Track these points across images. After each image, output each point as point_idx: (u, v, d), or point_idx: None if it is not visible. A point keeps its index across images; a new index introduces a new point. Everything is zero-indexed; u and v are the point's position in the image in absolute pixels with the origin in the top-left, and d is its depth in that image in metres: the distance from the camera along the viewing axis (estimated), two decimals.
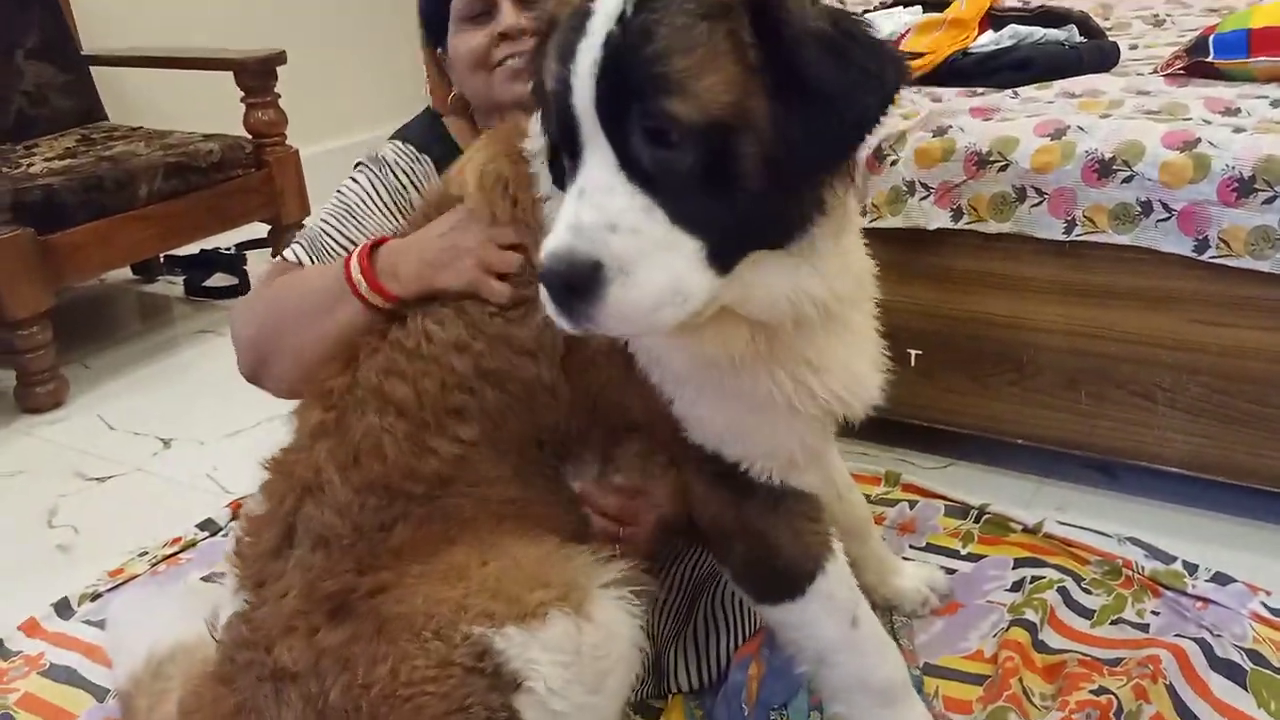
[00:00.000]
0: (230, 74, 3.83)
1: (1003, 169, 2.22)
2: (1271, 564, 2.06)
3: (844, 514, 1.84)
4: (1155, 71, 2.66)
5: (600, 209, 1.11)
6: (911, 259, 2.36)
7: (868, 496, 2.07)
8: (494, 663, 1.34)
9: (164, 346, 3.66)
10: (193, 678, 1.58)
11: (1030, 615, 1.91)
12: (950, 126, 2.33)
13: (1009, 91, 2.57)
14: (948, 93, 2.61)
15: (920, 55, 2.71)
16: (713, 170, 1.13)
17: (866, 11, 3.23)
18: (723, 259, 1.16)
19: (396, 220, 1.82)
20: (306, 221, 3.87)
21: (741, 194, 1.15)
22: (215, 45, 4.11)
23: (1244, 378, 2.10)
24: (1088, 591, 2.01)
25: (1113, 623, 1.93)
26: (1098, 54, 2.74)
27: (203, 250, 4.19)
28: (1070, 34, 2.79)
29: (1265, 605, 1.91)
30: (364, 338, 1.53)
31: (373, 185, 1.88)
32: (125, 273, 4.25)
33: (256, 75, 3.80)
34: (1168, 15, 3.47)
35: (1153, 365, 2.19)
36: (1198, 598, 1.96)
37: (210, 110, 3.98)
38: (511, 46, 1.84)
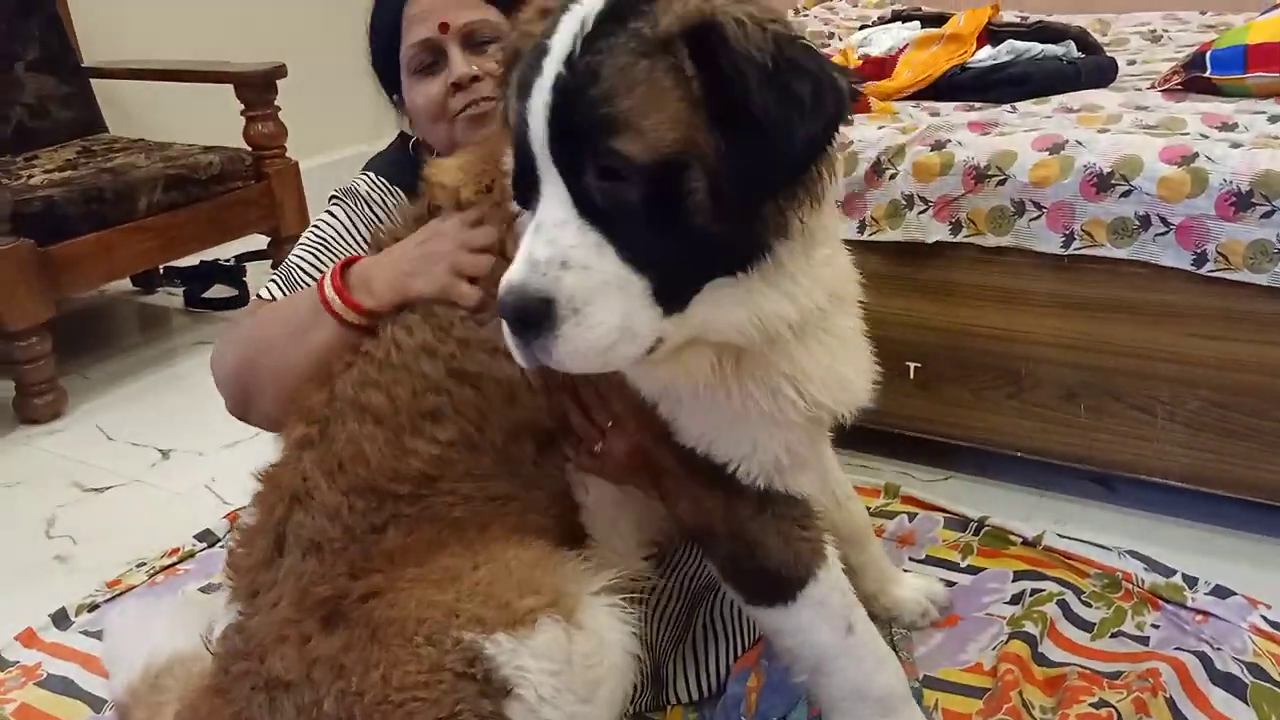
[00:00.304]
0: (230, 86, 3.84)
1: (1001, 183, 2.23)
2: (1271, 577, 2.06)
3: (844, 522, 1.85)
4: (1153, 87, 2.68)
5: (553, 245, 1.14)
6: (910, 272, 2.36)
7: (867, 508, 2.07)
8: (484, 669, 1.34)
9: (163, 358, 3.66)
10: (190, 690, 1.58)
11: (1030, 628, 1.91)
12: (949, 141, 2.34)
13: (1007, 106, 2.59)
14: (946, 107, 2.62)
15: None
16: (661, 206, 1.15)
17: (864, 27, 3.25)
18: (671, 297, 1.18)
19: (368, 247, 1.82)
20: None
21: (690, 228, 1.16)
22: (215, 58, 4.12)
23: (1243, 391, 2.10)
24: (1087, 604, 2.01)
25: (1112, 636, 1.93)
26: (1096, 69, 2.76)
27: (202, 261, 4.19)
28: (1068, 49, 2.81)
29: (1265, 618, 1.91)
30: (339, 355, 1.54)
31: (348, 217, 1.89)
32: (125, 284, 4.24)
33: (257, 88, 3.82)
34: (1165, 31, 3.49)
35: (1151, 379, 2.19)
36: (1197, 611, 1.95)
37: (210, 122, 3.98)
38: (467, 96, 1.83)
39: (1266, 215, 1.99)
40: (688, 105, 1.14)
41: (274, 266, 3.84)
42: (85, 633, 2.18)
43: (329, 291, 1.57)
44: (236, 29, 4.76)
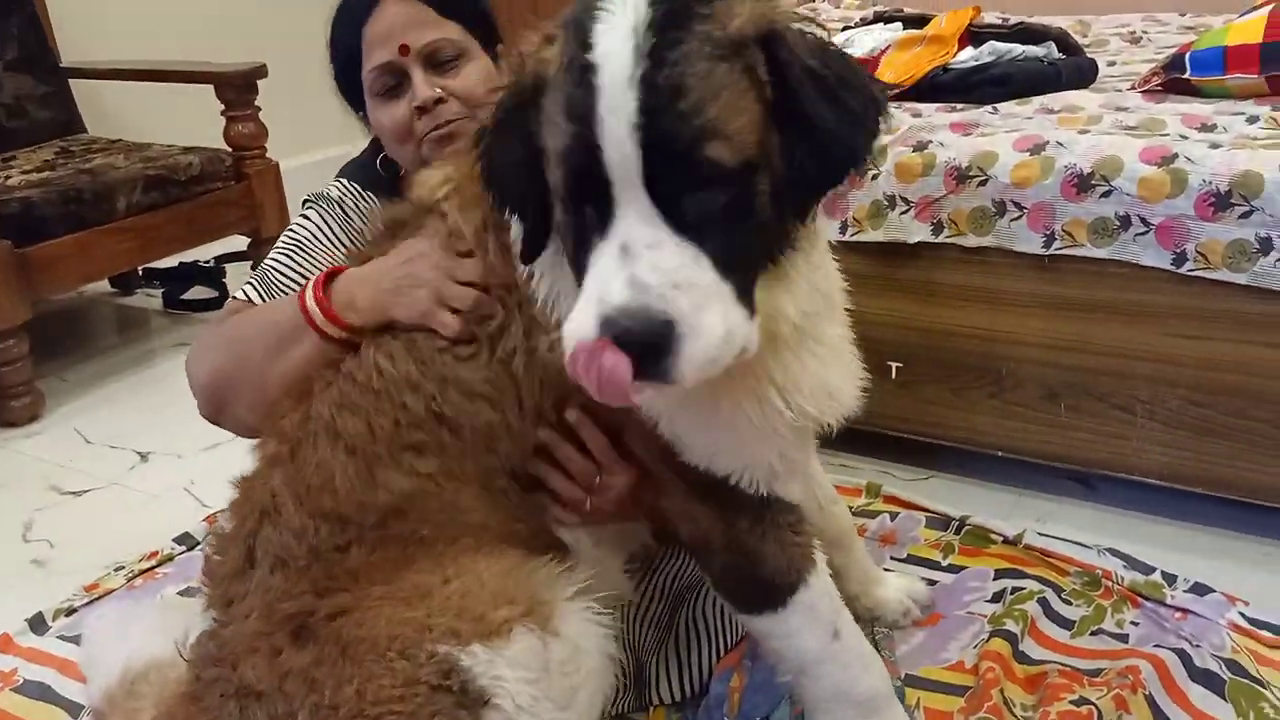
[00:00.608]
0: (210, 87, 3.82)
1: (982, 184, 2.24)
2: (1249, 574, 2.08)
3: (827, 525, 1.84)
4: (1133, 88, 2.69)
5: (658, 266, 1.09)
6: (892, 272, 2.37)
7: (849, 508, 2.07)
8: (460, 680, 1.33)
9: (142, 360, 3.63)
10: (166, 697, 1.57)
11: (1011, 626, 1.91)
12: (930, 141, 2.35)
13: (988, 107, 2.60)
14: (928, 108, 2.63)
15: (898, 87, 2.73)
16: (738, 209, 1.15)
17: (847, 28, 3.26)
18: (747, 295, 1.18)
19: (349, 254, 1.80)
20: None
21: (755, 228, 1.17)
22: (195, 58, 4.09)
23: (1222, 390, 2.11)
24: (1068, 602, 2.01)
25: (1093, 633, 1.94)
26: (1076, 71, 2.77)
27: (181, 263, 4.16)
28: (1049, 51, 2.82)
29: (1243, 615, 1.92)
30: (319, 371, 1.52)
31: (324, 220, 1.88)
32: (103, 285, 4.21)
33: (237, 88, 3.79)
34: (1144, 33, 3.51)
35: (1131, 378, 2.20)
36: (1176, 608, 1.96)
37: (190, 123, 3.96)
38: (432, 119, 1.81)
39: (1245, 215, 2.01)
40: (761, 107, 1.15)
41: (254, 268, 3.82)
42: (62, 637, 2.15)
43: (311, 304, 1.54)
44: (216, 29, 4.73)
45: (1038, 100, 2.61)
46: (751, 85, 1.15)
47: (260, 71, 3.81)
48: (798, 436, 1.46)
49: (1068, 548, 2.16)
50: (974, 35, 2.87)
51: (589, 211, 1.14)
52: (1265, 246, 2.00)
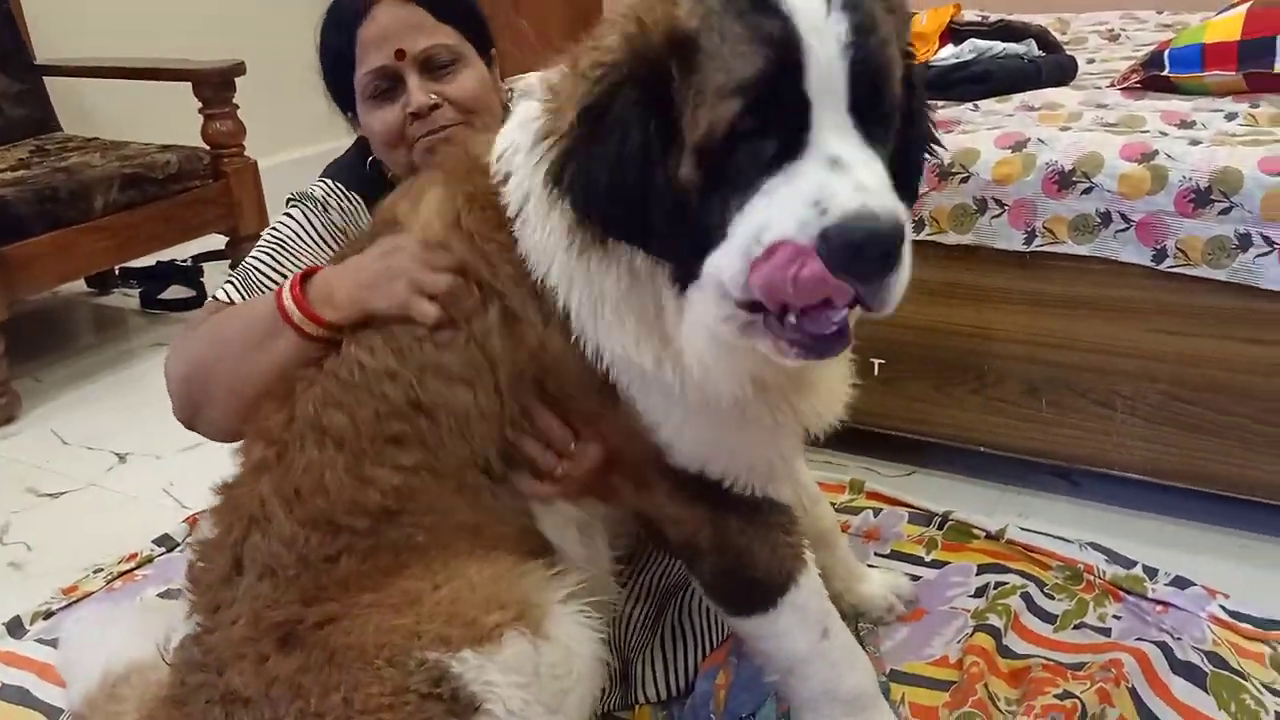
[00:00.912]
0: (188, 84, 3.78)
1: (964, 180, 2.25)
2: (1229, 568, 2.10)
3: (811, 525, 1.84)
4: (1112, 85, 2.71)
5: (878, 177, 1.11)
6: None
7: (833, 504, 2.07)
8: (451, 687, 1.33)
9: (119, 360, 3.60)
10: (148, 700, 1.55)
11: (994, 621, 1.92)
12: None
13: (970, 104, 2.60)
14: None
15: None
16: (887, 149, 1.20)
17: None
18: None
19: (331, 255, 1.79)
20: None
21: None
22: (172, 55, 4.06)
23: (1202, 385, 2.13)
24: (1050, 597, 2.02)
25: (1075, 627, 1.95)
26: (1056, 68, 2.79)
27: (159, 262, 4.12)
28: (1029, 48, 2.83)
29: (1223, 608, 1.94)
30: (301, 371, 1.51)
31: (307, 219, 1.86)
32: (79, 285, 4.17)
33: (215, 86, 3.76)
34: (1122, 30, 3.54)
35: (1112, 374, 2.21)
36: (1158, 601, 1.98)
37: (167, 121, 3.92)
38: (425, 125, 1.79)
39: (1224, 212, 2.02)
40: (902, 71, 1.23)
41: (232, 267, 3.79)
42: (41, 641, 2.13)
43: (288, 302, 1.53)
44: (194, 26, 4.69)
45: (1018, 97, 2.62)
46: (900, 47, 1.23)
47: (238, 69, 3.78)
48: (793, 438, 1.46)
49: (1050, 542, 2.17)
50: (954, 32, 2.89)
51: (765, 146, 1.13)
52: (1244, 243, 2.01)
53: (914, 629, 1.97)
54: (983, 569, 2.12)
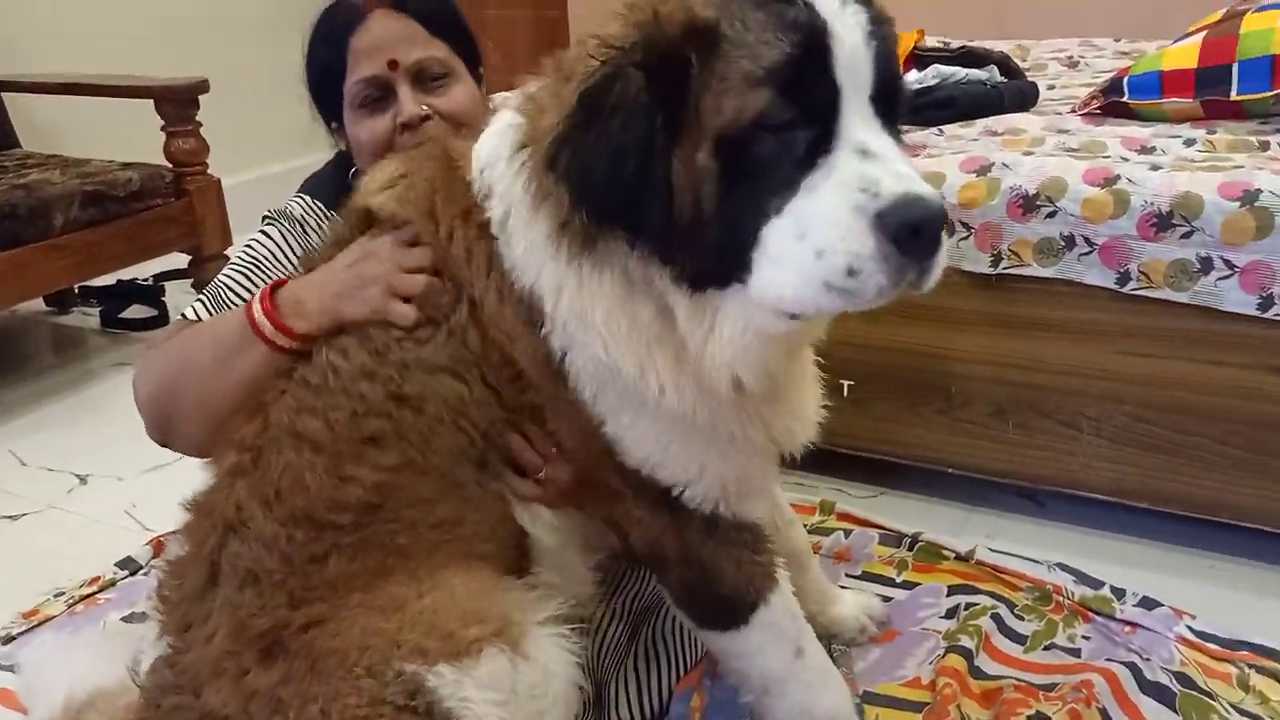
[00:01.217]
0: (150, 102, 3.75)
1: None
2: (1195, 588, 2.12)
3: (784, 545, 1.84)
4: (1073, 111, 2.76)
5: (908, 164, 1.15)
6: None
7: (804, 525, 2.08)
8: (426, 700, 1.31)
9: (79, 380, 3.54)
10: None
11: (966, 642, 1.93)
12: None
13: (934, 129, 2.64)
14: None
15: None
16: None
17: None
18: None
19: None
20: (228, 251, 3.79)
21: None
22: (135, 71, 4.02)
23: (1166, 407, 2.16)
24: (1020, 618, 2.04)
25: (1045, 648, 1.96)
26: (1018, 94, 2.83)
27: (119, 280, 4.08)
28: (991, 74, 2.88)
29: (1190, 629, 1.96)
30: (271, 383, 1.49)
31: (283, 238, 1.84)
32: (38, 304, 4.11)
33: (178, 104, 3.72)
34: (1081, 57, 3.61)
35: (1078, 395, 2.24)
36: (1126, 622, 2.00)
37: (129, 138, 3.88)
38: (415, 136, 1.79)
39: (1186, 235, 2.06)
40: None
41: (194, 286, 3.76)
42: (1, 666, 2.08)
43: (258, 315, 1.51)
44: (157, 43, 4.65)
45: (981, 123, 2.66)
46: None
47: (202, 86, 3.75)
48: (766, 458, 1.46)
49: (1018, 563, 2.19)
50: (919, 58, 2.93)
51: (796, 137, 1.14)
52: (1206, 266, 2.05)
53: (886, 650, 1.98)
54: (953, 590, 2.13)
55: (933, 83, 2.82)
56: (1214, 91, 2.52)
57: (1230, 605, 2.06)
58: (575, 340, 1.36)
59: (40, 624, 2.21)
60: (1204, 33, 2.62)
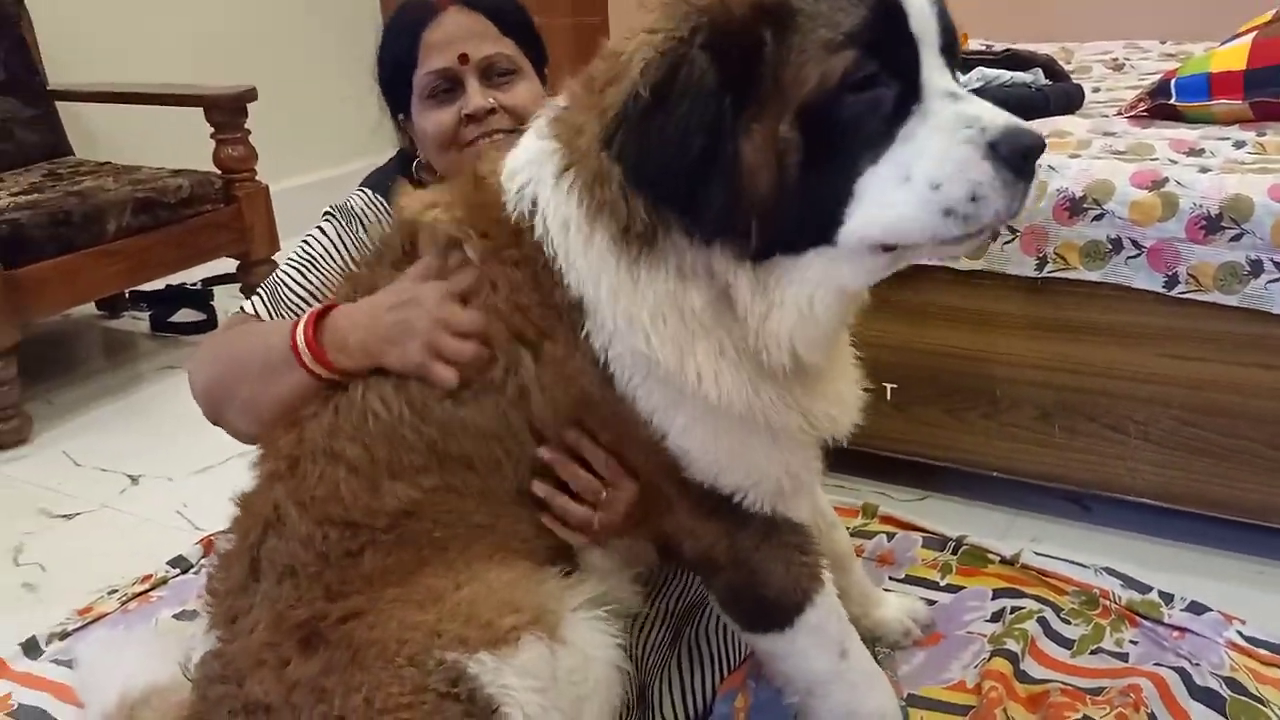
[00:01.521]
0: (200, 109, 3.82)
1: None
2: (1244, 593, 2.10)
3: (827, 547, 1.85)
4: (1119, 113, 2.73)
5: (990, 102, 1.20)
6: (886, 295, 2.33)
7: (846, 528, 2.08)
8: (468, 688, 1.33)
9: (130, 382, 3.61)
10: None
11: (1011, 645, 1.92)
12: None
13: None
14: None
15: None
16: None
17: None
18: None
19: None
20: (276, 257, 3.85)
21: None
22: (184, 80, 4.09)
23: (1214, 411, 2.14)
24: (1066, 621, 2.03)
25: (1092, 652, 1.95)
26: (1064, 96, 2.81)
27: (169, 285, 4.15)
28: (1036, 77, 2.85)
29: (1240, 634, 1.94)
30: (310, 400, 1.51)
31: (339, 236, 1.87)
32: (90, 308, 4.18)
33: (228, 111, 3.78)
34: (1126, 59, 3.57)
35: (1124, 399, 2.23)
36: (1174, 627, 1.98)
37: (179, 145, 3.95)
38: (480, 128, 1.82)
39: (1235, 238, 2.04)
40: None
41: (243, 290, 3.81)
42: (57, 661, 2.13)
43: (301, 342, 1.51)
44: (206, 52, 4.73)
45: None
46: None
47: (250, 94, 3.81)
48: (807, 452, 1.47)
49: (1064, 567, 2.18)
50: (963, 62, 2.91)
51: (883, 93, 1.19)
52: (1256, 269, 2.03)
53: (931, 653, 1.98)
54: (998, 594, 2.12)
55: (977, 85, 2.80)
56: (1263, 93, 2.49)
57: None
58: (618, 334, 1.36)
59: (94, 621, 2.25)
60: (1254, 34, 2.59)
